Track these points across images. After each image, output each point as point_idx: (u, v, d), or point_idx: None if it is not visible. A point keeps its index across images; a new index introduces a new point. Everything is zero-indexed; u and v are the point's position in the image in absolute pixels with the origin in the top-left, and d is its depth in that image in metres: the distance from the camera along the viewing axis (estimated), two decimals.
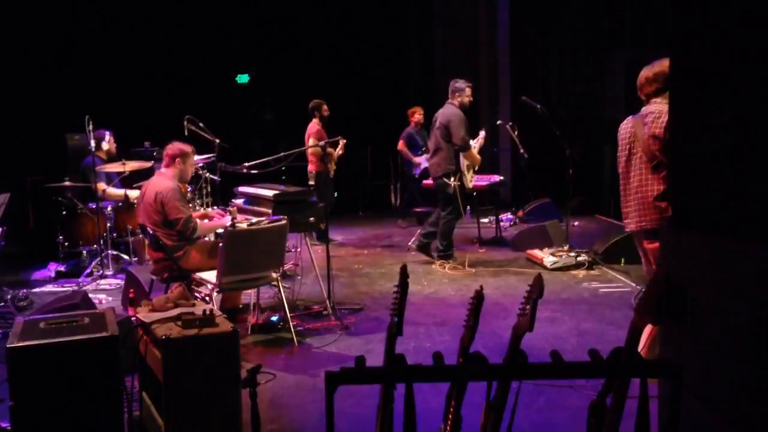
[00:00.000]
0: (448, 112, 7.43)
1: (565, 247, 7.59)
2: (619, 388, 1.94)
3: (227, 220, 5.31)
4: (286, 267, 7.06)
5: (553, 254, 7.42)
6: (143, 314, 3.11)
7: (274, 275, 5.04)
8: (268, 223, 4.99)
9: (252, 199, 5.90)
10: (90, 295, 6.51)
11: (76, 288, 6.92)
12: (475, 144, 7.77)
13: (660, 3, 12.53)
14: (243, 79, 14.37)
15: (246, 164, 5.82)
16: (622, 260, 7.32)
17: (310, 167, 8.75)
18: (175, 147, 5.42)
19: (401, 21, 13.85)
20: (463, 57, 13.82)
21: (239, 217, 5.65)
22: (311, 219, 5.64)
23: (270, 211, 5.53)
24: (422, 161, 9.64)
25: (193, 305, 3.20)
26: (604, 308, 5.79)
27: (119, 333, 2.91)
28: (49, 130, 9.49)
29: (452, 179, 7.32)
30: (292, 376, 4.39)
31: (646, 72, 4.07)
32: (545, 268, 7.26)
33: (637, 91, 4.13)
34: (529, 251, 7.76)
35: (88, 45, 10.83)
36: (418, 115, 9.90)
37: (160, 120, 9.44)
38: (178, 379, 2.81)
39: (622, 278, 6.80)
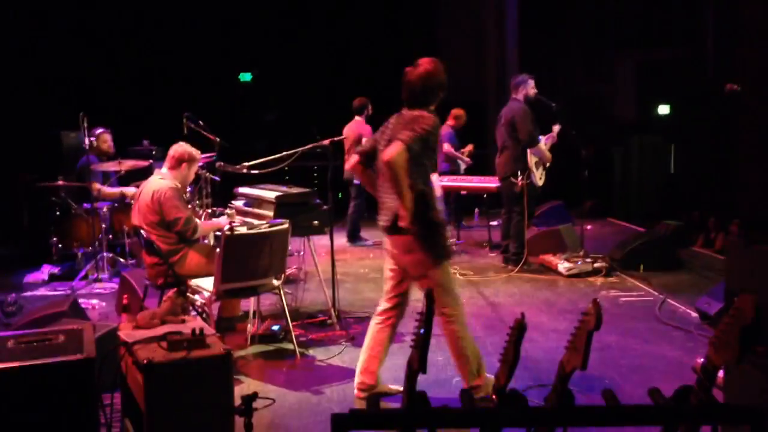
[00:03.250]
0: (514, 107, 7.05)
1: (581, 253, 7.25)
2: None
3: (225, 220, 4.99)
4: (289, 271, 6.75)
5: (567, 260, 7.07)
6: (126, 332, 2.78)
7: (275, 282, 4.71)
8: (270, 226, 4.66)
9: (253, 201, 5.57)
10: (83, 300, 6.24)
11: (69, 292, 6.62)
12: (546, 141, 7.34)
13: (670, 2, 12.23)
14: (246, 77, 14.11)
15: (246, 164, 5.49)
16: (641, 266, 7.00)
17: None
18: (183, 149, 5.07)
19: (404, 21, 13.52)
20: (469, 57, 13.51)
21: (238, 219, 5.35)
22: (315, 222, 5.31)
23: (271, 213, 5.21)
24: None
25: (183, 322, 2.87)
26: (626, 319, 5.45)
27: (102, 350, 2.59)
28: (45, 128, 9.19)
29: (520, 178, 6.97)
30: (294, 394, 4.06)
31: (421, 79, 3.79)
32: (560, 274, 6.93)
33: (405, 93, 3.82)
34: (543, 256, 7.41)
35: (88, 41, 10.54)
36: (458, 120, 9.45)
37: (161, 119, 9.14)
38: (161, 408, 2.47)
39: (643, 286, 6.46)
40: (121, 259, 7.32)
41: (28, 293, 6.66)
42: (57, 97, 9.68)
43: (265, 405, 3.70)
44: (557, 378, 1.64)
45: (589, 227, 9.71)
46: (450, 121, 9.42)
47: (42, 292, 6.74)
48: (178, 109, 7.12)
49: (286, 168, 12.95)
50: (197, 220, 5.02)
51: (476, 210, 10.52)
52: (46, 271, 7.27)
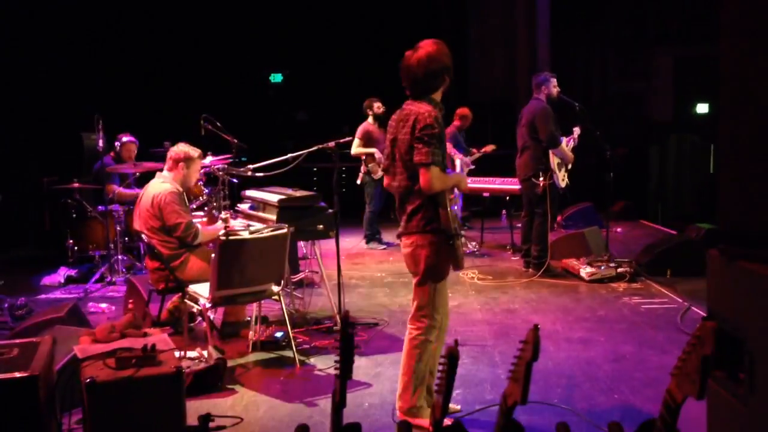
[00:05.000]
0: (534, 107, 6.83)
1: (605, 257, 6.96)
2: None
3: (220, 225, 4.88)
4: (304, 275, 6.61)
5: (590, 264, 6.80)
6: (81, 347, 2.66)
7: (275, 288, 4.57)
8: (270, 231, 4.53)
9: (258, 204, 5.45)
10: (93, 304, 6.21)
11: (82, 295, 6.61)
12: (568, 142, 7.06)
13: None
14: (277, 78, 14.11)
15: (250, 166, 5.37)
16: (668, 272, 6.69)
17: (363, 168, 8.51)
18: (180, 150, 5.02)
19: (435, 19, 13.32)
20: (500, 55, 13.25)
21: (241, 223, 5.23)
22: (320, 226, 5.16)
23: (274, 217, 5.08)
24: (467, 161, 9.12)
25: (144, 335, 2.74)
26: (645, 328, 5.17)
27: (49, 370, 2.44)
28: (68, 129, 9.24)
29: (541, 178, 6.73)
30: (288, 405, 3.90)
31: (422, 64, 3.42)
32: (582, 279, 6.66)
33: (406, 81, 3.52)
34: (566, 260, 7.14)
35: (117, 41, 10.57)
36: (464, 120, 9.28)
37: (188, 121, 9.09)
38: (105, 429, 2.34)
39: (668, 293, 6.16)
40: (137, 263, 7.29)
41: (42, 296, 6.66)
42: (82, 98, 9.72)
43: (234, 423, 3.48)
44: (500, 411, 1.45)
45: (619, 230, 9.40)
46: (456, 122, 9.21)
47: (56, 295, 6.73)
48: (205, 111, 7.05)
49: (315, 169, 12.76)
50: (198, 225, 4.93)
51: (503, 212, 10.24)
52: (62, 273, 7.28)
